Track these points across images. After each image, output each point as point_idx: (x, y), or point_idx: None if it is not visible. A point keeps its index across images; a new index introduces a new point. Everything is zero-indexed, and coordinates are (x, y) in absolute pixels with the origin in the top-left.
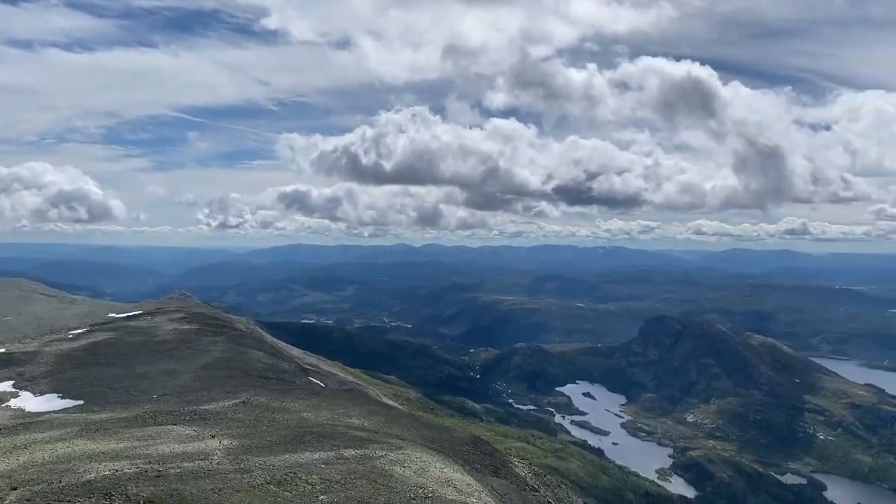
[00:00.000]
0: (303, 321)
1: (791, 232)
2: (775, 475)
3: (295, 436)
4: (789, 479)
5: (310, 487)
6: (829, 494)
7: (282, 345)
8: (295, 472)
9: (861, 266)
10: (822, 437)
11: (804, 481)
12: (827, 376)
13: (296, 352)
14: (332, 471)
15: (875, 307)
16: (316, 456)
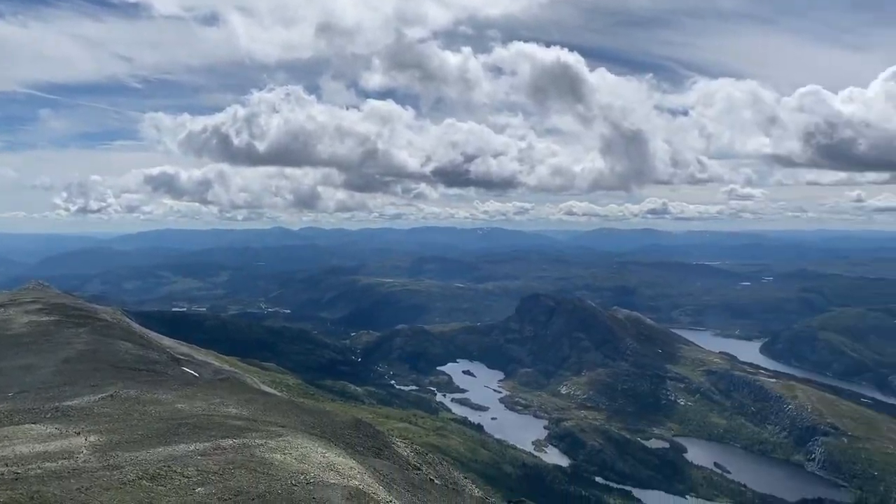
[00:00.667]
0: (174, 309)
1: (653, 212)
2: (641, 440)
3: (168, 428)
4: (654, 443)
5: (186, 480)
6: (689, 455)
7: (152, 335)
8: (169, 466)
9: (715, 243)
10: (682, 402)
11: (667, 445)
12: (686, 346)
13: (167, 341)
14: (209, 462)
15: (728, 281)
16: (191, 448)
